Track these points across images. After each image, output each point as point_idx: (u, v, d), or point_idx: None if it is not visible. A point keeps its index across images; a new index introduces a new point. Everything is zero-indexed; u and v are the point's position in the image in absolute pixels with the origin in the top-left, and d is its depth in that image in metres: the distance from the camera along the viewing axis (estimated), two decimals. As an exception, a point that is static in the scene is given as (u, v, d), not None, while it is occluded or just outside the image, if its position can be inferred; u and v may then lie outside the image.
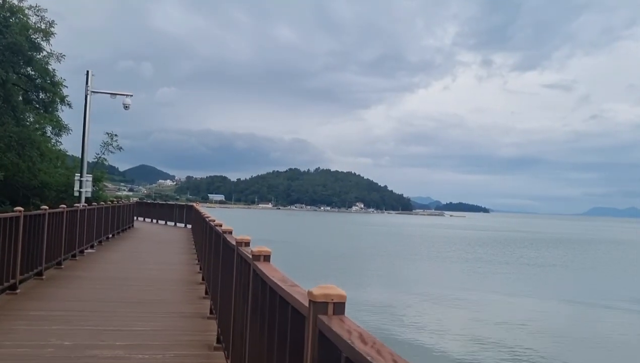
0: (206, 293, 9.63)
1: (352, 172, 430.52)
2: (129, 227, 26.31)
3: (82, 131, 16.58)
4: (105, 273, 12.01)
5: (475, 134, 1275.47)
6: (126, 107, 17.95)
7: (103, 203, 18.39)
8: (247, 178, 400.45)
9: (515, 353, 17.89)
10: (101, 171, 26.47)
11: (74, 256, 13.77)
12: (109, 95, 17.62)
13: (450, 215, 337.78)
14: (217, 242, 7.75)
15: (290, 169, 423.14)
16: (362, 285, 31.82)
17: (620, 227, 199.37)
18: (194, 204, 24.09)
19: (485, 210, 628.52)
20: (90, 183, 17.28)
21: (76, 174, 17.30)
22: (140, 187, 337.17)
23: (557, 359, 17.58)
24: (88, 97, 16.54)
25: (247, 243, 4.69)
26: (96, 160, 25.69)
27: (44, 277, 10.65)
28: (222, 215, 13.57)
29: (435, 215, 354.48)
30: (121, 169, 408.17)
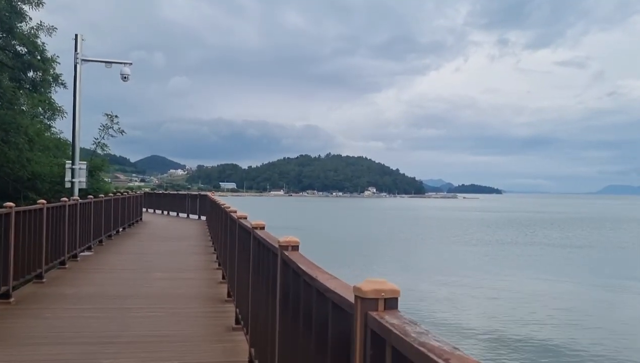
0: (237, 322, 6.70)
1: (364, 157, 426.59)
2: (137, 221, 23.50)
3: (72, 107, 13.64)
4: (97, 288, 9.10)
5: (487, 114, 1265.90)
6: (125, 77, 14.94)
7: (102, 195, 15.52)
8: (258, 165, 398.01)
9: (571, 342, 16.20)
10: (102, 159, 23.48)
11: (62, 263, 10.90)
12: (104, 63, 14.64)
13: (464, 197, 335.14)
14: (258, 252, 4.81)
15: (301, 155, 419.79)
16: (390, 272, 29.93)
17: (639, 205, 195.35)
18: (209, 194, 21.22)
19: (498, 192, 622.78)
20: (84, 172, 14.35)
21: (67, 162, 14.38)
22: (151, 178, 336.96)
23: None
24: (78, 66, 13.57)
25: (395, 297, 1.73)
26: (95, 146, 22.74)
27: (11, 299, 7.76)
28: (235, 203, 10.66)
29: (449, 197, 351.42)
30: (132, 160, 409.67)
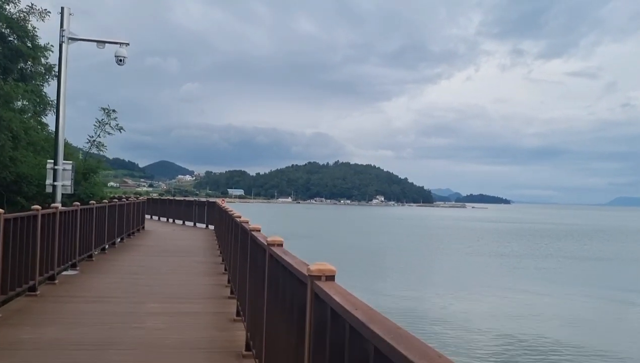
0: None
1: (372, 165, 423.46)
2: (138, 230, 21.18)
3: (57, 96, 11.28)
4: (69, 329, 6.70)
5: (497, 124, 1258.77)
6: (120, 60, 12.61)
7: (94, 202, 13.19)
8: (266, 172, 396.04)
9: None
10: (98, 160, 21.08)
11: (32, 289, 8.54)
12: (96, 43, 12.31)
13: (472, 207, 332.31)
14: (323, 324, 2.42)
15: (309, 163, 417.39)
16: (406, 284, 28.09)
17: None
18: (218, 201, 18.88)
19: (507, 202, 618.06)
20: (69, 174, 12.00)
21: (48, 161, 12.02)
22: (159, 183, 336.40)
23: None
24: (64, 45, 11.27)
25: None
26: (90, 145, 20.36)
27: None
28: (243, 210, 8.26)
29: (457, 207, 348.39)
30: (141, 165, 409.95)
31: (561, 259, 43.21)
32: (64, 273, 10.67)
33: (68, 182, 11.94)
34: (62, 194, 12.03)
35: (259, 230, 5.86)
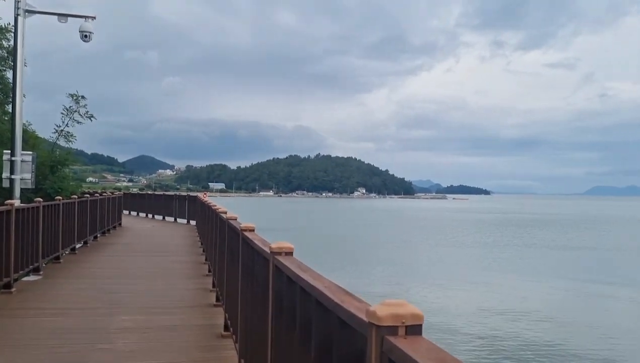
0: None
1: (353, 157, 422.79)
2: (114, 227, 19.78)
3: (12, 77, 9.88)
4: (17, 356, 5.39)
5: (477, 116, 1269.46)
6: (85, 36, 11.22)
7: (60, 198, 11.80)
8: (248, 166, 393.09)
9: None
10: (66, 152, 19.53)
11: (-20, 302, 7.25)
12: (57, 16, 10.89)
13: (453, 198, 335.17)
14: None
15: (290, 156, 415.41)
16: (391, 277, 27.28)
17: (625, 206, 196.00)
18: (200, 195, 17.59)
19: (486, 192, 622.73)
20: (29, 166, 10.62)
21: (4, 152, 10.62)
22: (140, 178, 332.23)
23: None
24: (20, 18, 9.86)
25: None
26: (57, 135, 18.82)
27: None
28: (225, 204, 6.98)
29: (438, 198, 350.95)
30: (121, 160, 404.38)
31: (544, 249, 43.61)
32: (24, 279, 9.36)
33: (28, 176, 10.54)
34: (23, 189, 10.66)
35: (253, 230, 4.67)
